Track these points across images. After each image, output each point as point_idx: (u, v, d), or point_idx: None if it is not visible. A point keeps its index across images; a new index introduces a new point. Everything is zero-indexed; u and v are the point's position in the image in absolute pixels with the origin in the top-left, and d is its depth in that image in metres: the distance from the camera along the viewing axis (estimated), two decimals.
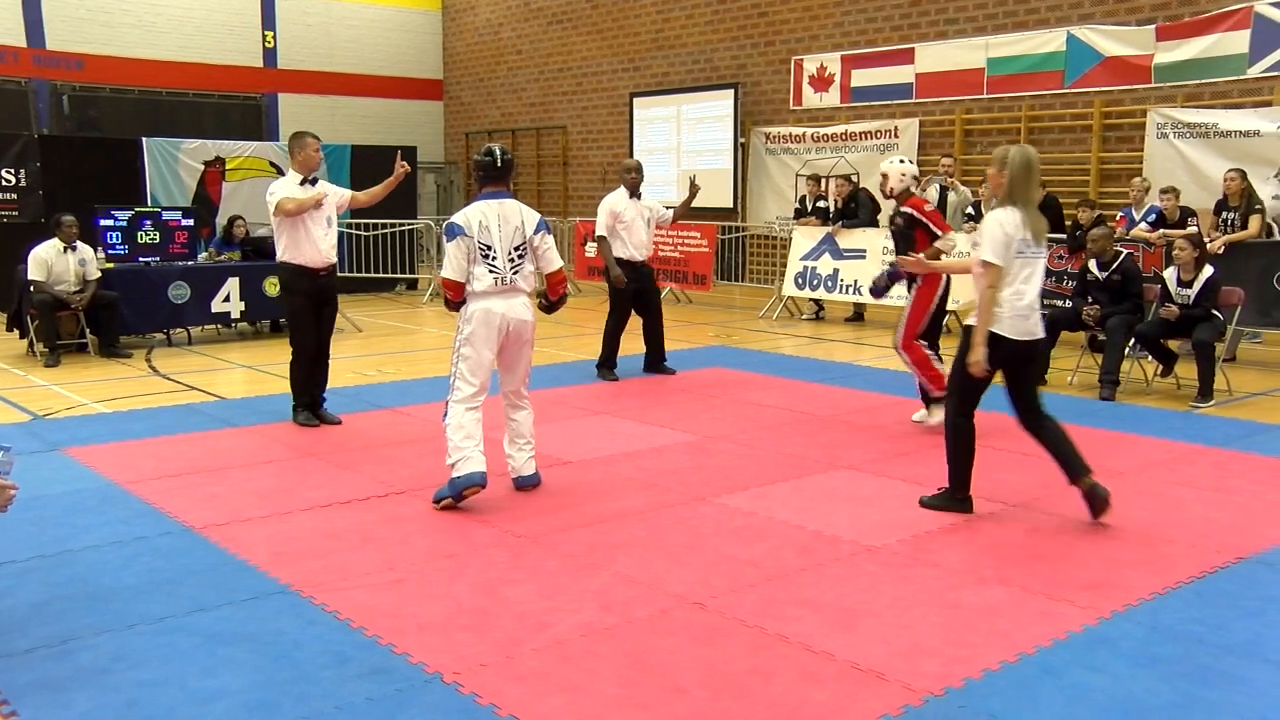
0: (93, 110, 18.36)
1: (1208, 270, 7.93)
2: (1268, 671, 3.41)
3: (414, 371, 8.97)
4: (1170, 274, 8.16)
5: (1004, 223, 4.68)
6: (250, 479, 5.60)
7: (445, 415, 5.08)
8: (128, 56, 18.44)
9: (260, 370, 9.07)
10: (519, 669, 3.38)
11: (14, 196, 12.74)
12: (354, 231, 14.51)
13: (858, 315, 12.46)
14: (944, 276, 6.61)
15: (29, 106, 17.73)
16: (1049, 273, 10.43)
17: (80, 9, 18.02)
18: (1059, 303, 10.11)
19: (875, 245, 11.82)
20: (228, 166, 14.14)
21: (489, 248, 5.08)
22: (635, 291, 8.54)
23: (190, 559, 4.37)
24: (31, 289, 9.27)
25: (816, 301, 12.70)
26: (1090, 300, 8.39)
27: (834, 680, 3.31)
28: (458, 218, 5.15)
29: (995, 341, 4.73)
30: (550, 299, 5.48)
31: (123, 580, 4.13)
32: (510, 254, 5.12)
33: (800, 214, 13.15)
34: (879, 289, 6.98)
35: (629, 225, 8.45)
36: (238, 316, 10.87)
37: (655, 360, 8.85)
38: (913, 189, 6.78)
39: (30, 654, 3.47)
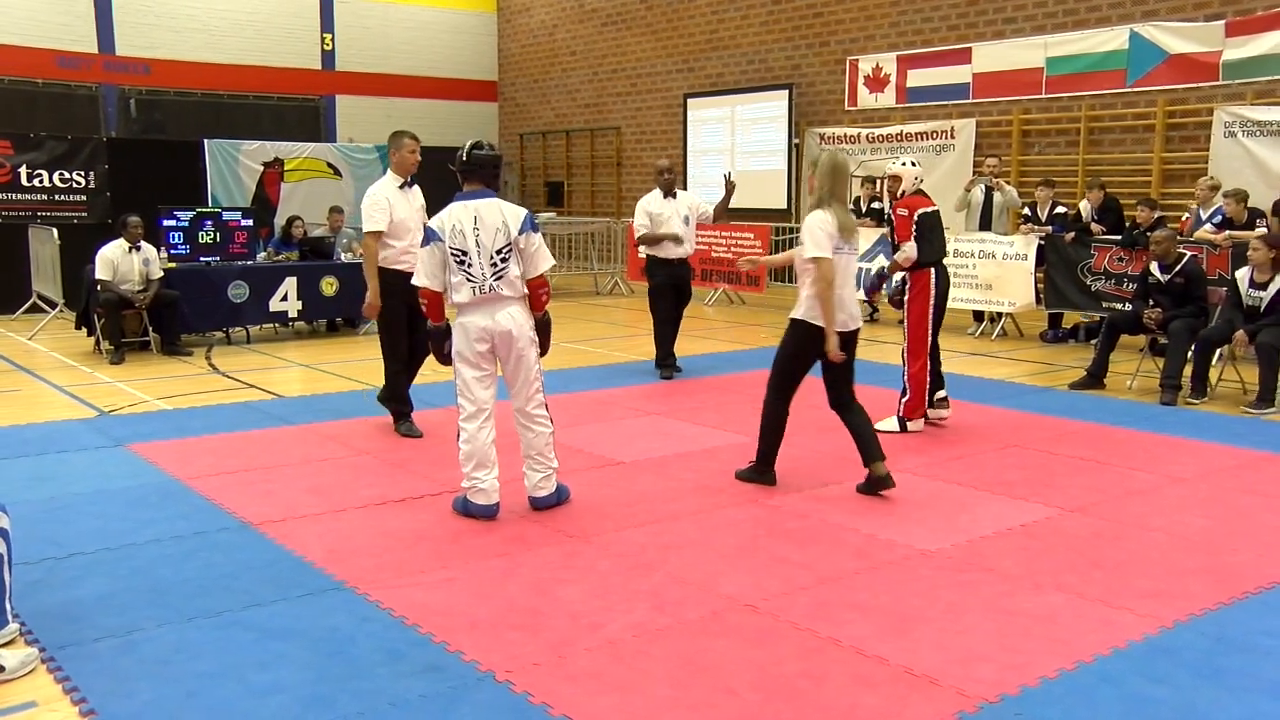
0: (158, 113, 18.78)
1: None
2: None
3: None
4: (1243, 275, 7.90)
5: (825, 221, 5.14)
6: (306, 476, 5.68)
7: (458, 435, 4.87)
8: (192, 60, 18.83)
9: (317, 369, 9.20)
10: (571, 669, 3.39)
11: (83, 198, 13.08)
12: None
13: None
14: (932, 284, 6.45)
15: (98, 111, 18.19)
16: (1108, 274, 10.31)
17: (149, 14, 18.43)
18: (1118, 305, 9.92)
19: None
20: (286, 167, 14.39)
21: (463, 253, 4.65)
22: (674, 288, 8.57)
23: (247, 554, 4.45)
24: (98, 288, 9.50)
25: (870, 303, 12.58)
26: (1151, 303, 8.22)
27: (886, 685, 3.28)
28: (432, 221, 4.78)
29: (816, 332, 5.15)
30: (534, 314, 4.87)
31: (183, 574, 4.22)
32: (493, 257, 4.67)
33: (855, 215, 13.03)
34: (869, 287, 6.82)
35: (664, 225, 8.50)
36: (295, 316, 11.03)
37: (669, 362, 8.78)
38: (922, 190, 6.62)
39: (97, 644, 3.56)
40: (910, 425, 6.63)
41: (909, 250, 6.35)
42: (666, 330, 8.67)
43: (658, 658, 3.47)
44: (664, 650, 3.53)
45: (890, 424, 6.57)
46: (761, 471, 5.48)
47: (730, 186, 8.44)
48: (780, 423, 5.40)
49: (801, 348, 5.25)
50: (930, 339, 6.56)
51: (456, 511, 4.98)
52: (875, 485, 5.26)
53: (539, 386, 4.92)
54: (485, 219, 4.70)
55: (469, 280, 4.70)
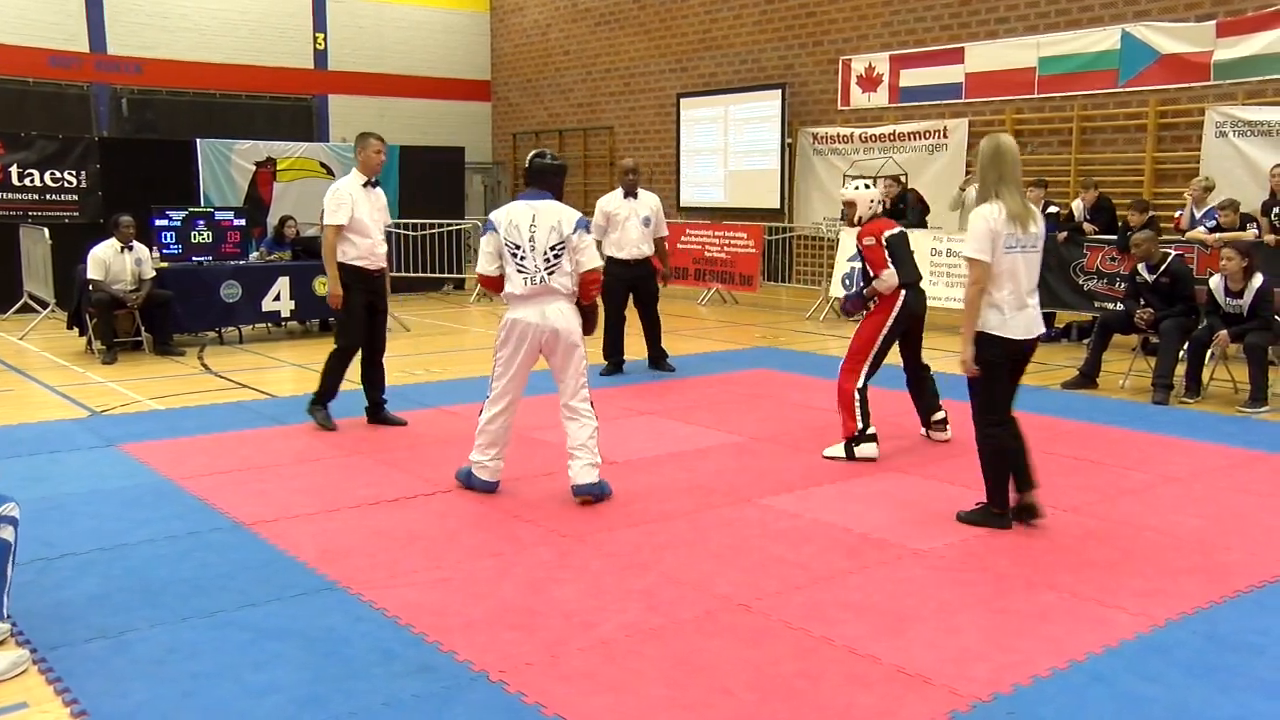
0: (150, 113, 18.72)
1: (1257, 279, 7.66)
2: None
3: (461, 371, 9.04)
4: (1216, 283, 7.85)
5: (988, 218, 4.57)
6: (299, 476, 5.67)
7: (481, 413, 5.29)
8: (184, 60, 18.77)
9: (310, 369, 9.18)
10: (565, 668, 3.39)
11: (75, 198, 13.04)
12: (402, 232, 14.65)
13: None
14: (897, 304, 5.99)
15: (90, 110, 18.13)
16: (1100, 274, 10.34)
17: (140, 14, 18.37)
18: (1110, 305, 9.96)
19: (924, 246, 11.70)
20: (279, 167, 14.37)
21: (517, 247, 5.03)
22: (630, 289, 8.58)
23: (241, 554, 4.44)
24: (90, 288, 9.47)
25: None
26: (1142, 303, 8.24)
27: (881, 684, 3.29)
28: (494, 213, 5.22)
29: (993, 342, 4.62)
30: (582, 303, 5.21)
31: (177, 574, 4.21)
32: (546, 254, 5.02)
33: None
34: (847, 310, 6.46)
35: (621, 225, 8.50)
36: (288, 315, 11.02)
37: (655, 358, 8.91)
38: (880, 213, 6.26)
39: (89, 644, 3.55)
40: (858, 450, 5.97)
41: (889, 278, 5.95)
42: (613, 330, 8.66)
43: (652, 657, 3.47)
44: (658, 650, 3.53)
45: (836, 449, 6.04)
46: (995, 513, 4.75)
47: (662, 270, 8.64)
48: (1004, 453, 4.72)
49: (989, 361, 4.63)
50: (873, 361, 6.06)
51: (458, 480, 5.36)
52: (987, 520, 4.77)
53: (585, 382, 5.21)
54: (542, 218, 5.07)
55: (521, 272, 5.05)
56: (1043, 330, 4.79)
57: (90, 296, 9.47)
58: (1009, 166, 4.59)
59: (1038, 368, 9.30)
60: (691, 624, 3.74)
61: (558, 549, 4.53)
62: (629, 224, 8.52)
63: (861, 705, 3.16)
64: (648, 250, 8.64)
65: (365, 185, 6.64)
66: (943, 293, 11.56)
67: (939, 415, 6.45)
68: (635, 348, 9.08)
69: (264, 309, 10.77)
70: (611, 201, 8.65)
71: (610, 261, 8.49)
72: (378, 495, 5.30)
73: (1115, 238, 10.23)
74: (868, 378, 6.05)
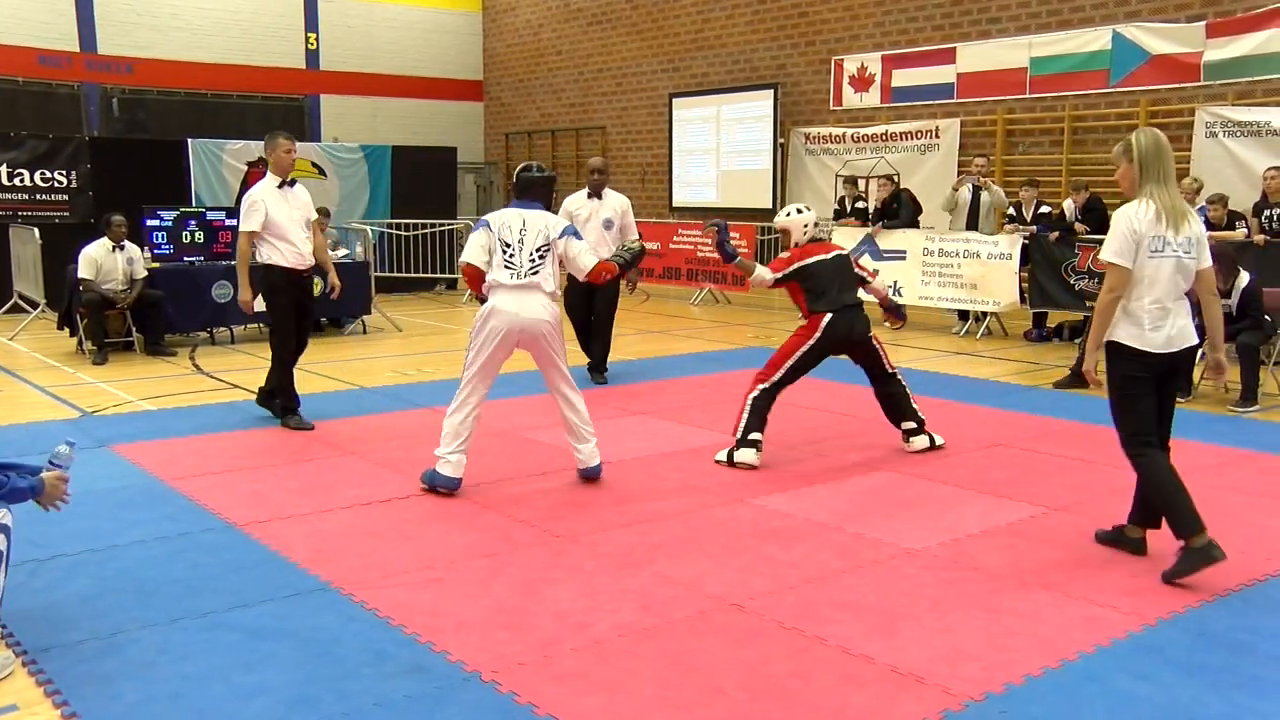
0: (141, 112, 18.66)
1: (1244, 278, 7.68)
2: None
3: (453, 371, 9.00)
4: None
5: (1132, 217, 4.12)
6: (291, 476, 5.66)
7: (449, 407, 5.34)
8: (175, 59, 18.72)
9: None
10: (557, 668, 3.39)
11: (66, 197, 13.00)
12: (394, 231, 14.63)
13: None
14: (820, 327, 5.83)
15: (81, 110, 18.07)
16: (1092, 274, 10.37)
17: (130, 13, 18.32)
18: None
19: (916, 246, 11.74)
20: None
21: (508, 245, 5.27)
22: (584, 292, 8.20)
23: (233, 555, 4.43)
24: (81, 288, 9.44)
25: None
26: None
27: (873, 683, 3.29)
28: (488, 215, 5.49)
29: (1129, 355, 4.18)
30: (609, 278, 5.72)
31: (168, 575, 4.20)
32: (532, 253, 5.27)
33: (839, 215, 13.09)
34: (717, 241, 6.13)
35: (582, 226, 8.19)
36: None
37: (594, 366, 8.51)
38: (818, 237, 6.18)
39: (80, 645, 3.54)
40: (739, 456, 5.81)
41: (762, 273, 5.96)
42: (579, 333, 8.48)
43: (645, 657, 3.47)
44: (651, 650, 3.53)
45: (722, 454, 5.91)
46: (1199, 549, 4.07)
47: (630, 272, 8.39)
48: (1164, 476, 4.20)
49: (1126, 377, 4.22)
50: (787, 373, 5.91)
51: (423, 484, 5.34)
52: (1196, 560, 4.08)
53: (568, 370, 5.44)
54: (531, 223, 5.33)
55: (509, 267, 5.26)
56: (1193, 342, 4.26)
57: (81, 296, 9.43)
58: (1169, 161, 4.18)
59: (1029, 367, 9.33)
60: (684, 624, 3.74)
61: (551, 549, 4.53)
62: (589, 225, 8.26)
63: (854, 705, 3.16)
64: (606, 254, 8.11)
65: (281, 186, 6.69)
66: (934, 292, 11.59)
67: (907, 425, 6.15)
68: (622, 348, 9.09)
69: (256, 310, 10.70)
70: (575, 201, 8.48)
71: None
72: (370, 495, 5.29)
73: (1105, 238, 10.25)
74: (775, 389, 5.92)
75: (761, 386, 5.92)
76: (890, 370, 6.17)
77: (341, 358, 9.76)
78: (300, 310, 6.86)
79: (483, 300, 5.37)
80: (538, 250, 5.28)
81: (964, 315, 11.59)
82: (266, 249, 6.64)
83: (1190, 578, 4.06)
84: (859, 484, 5.55)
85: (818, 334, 5.87)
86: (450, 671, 3.36)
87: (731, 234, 6.19)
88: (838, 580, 4.17)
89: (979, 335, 11.24)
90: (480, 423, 5.43)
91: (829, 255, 6.06)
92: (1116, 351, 4.21)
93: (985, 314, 11.40)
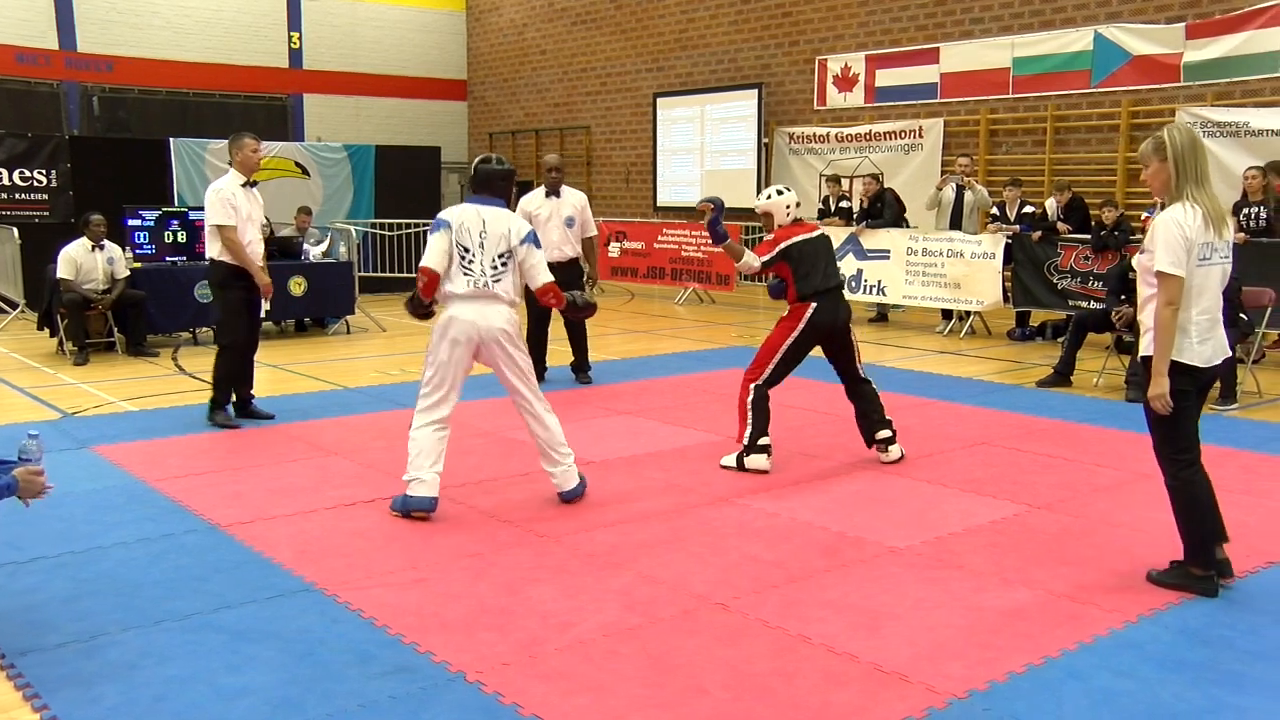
0: (121, 111, 18.55)
1: None
2: None
3: None
4: None
5: (1182, 223, 3.85)
6: (274, 477, 5.63)
7: (411, 424, 4.99)
8: (156, 58, 18.61)
9: (284, 369, 9.12)
10: (542, 668, 3.38)
11: (45, 197, 12.90)
12: (377, 231, 14.58)
13: (881, 316, 12.40)
14: (806, 314, 5.70)
15: (60, 108, 17.94)
16: (1074, 273, 10.43)
17: (111, 11, 18.20)
18: (1085, 303, 10.04)
19: (900, 246, 11.77)
20: None
21: (466, 249, 4.91)
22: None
23: (216, 556, 4.41)
24: (61, 288, 9.37)
25: None
26: (1124, 298, 8.27)
27: (857, 682, 3.30)
28: (445, 212, 5.06)
29: (1182, 371, 3.92)
30: (558, 307, 5.34)
31: (150, 577, 4.17)
32: (494, 260, 4.92)
33: (824, 214, 13.11)
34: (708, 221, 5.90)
35: (542, 226, 8.07)
36: (263, 316, 10.88)
37: (575, 366, 8.45)
38: (800, 218, 5.97)
39: (60, 649, 3.51)
40: (747, 462, 5.71)
41: (750, 260, 5.79)
42: (533, 334, 8.17)
43: (629, 657, 3.47)
44: (635, 649, 3.53)
45: (730, 459, 5.80)
46: (1196, 575, 4.04)
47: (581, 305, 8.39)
48: (1201, 501, 4.04)
49: (1178, 392, 3.93)
50: (775, 368, 5.78)
51: (395, 511, 4.96)
52: (1194, 584, 4.04)
53: (535, 384, 5.13)
54: (492, 225, 4.96)
55: (467, 274, 4.92)
56: (1229, 354, 4.11)
57: (62, 297, 9.36)
58: (1205, 160, 3.96)
59: (1013, 366, 9.38)
60: (669, 623, 3.74)
61: (535, 549, 4.52)
62: (550, 225, 8.13)
63: (838, 703, 3.17)
64: (571, 252, 8.24)
65: (244, 185, 6.74)
66: (918, 291, 11.63)
67: (883, 434, 5.94)
68: (606, 348, 9.08)
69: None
70: (533, 201, 8.27)
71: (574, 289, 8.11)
72: (354, 496, 5.28)
73: (1089, 237, 10.32)
74: (768, 386, 5.78)
75: (755, 385, 5.77)
76: (861, 371, 6.02)
77: (325, 358, 9.73)
78: (251, 307, 6.89)
79: (425, 308, 5.08)
80: (499, 257, 4.93)
81: (948, 314, 11.64)
82: (221, 245, 6.68)
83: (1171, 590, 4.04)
84: (843, 483, 5.56)
85: (802, 324, 5.73)
86: (435, 672, 3.36)
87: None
88: (821, 579, 4.18)
89: (963, 334, 11.28)
90: (463, 424, 5.41)
91: (814, 235, 5.91)
92: (1171, 369, 3.91)
93: (969, 313, 11.45)
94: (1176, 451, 4.02)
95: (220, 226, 6.62)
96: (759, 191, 16.15)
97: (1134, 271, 8.09)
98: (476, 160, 5.16)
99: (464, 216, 4.96)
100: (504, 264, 4.95)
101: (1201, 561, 4.02)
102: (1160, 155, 3.96)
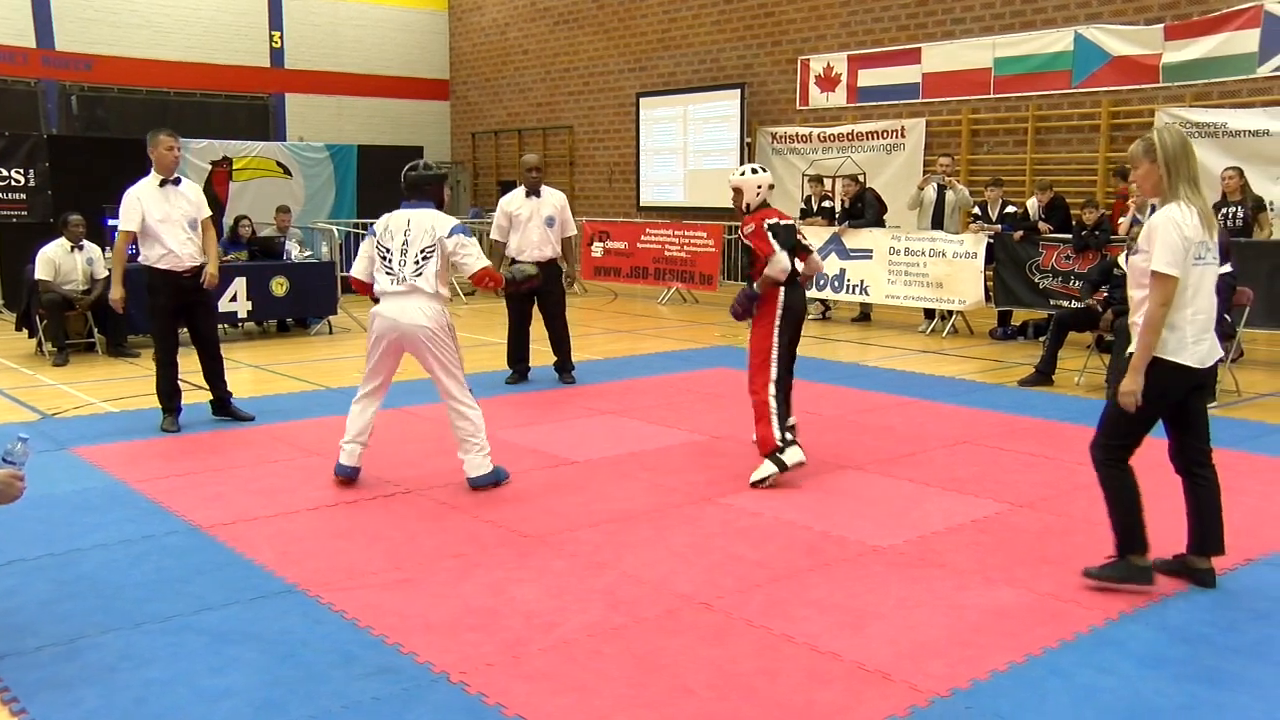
0: (100, 110, 18.40)
1: (1224, 268, 7.79)
2: (1277, 673, 3.39)
3: (419, 371, 8.95)
4: None
5: (1180, 223, 3.82)
6: (256, 478, 5.61)
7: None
8: (135, 57, 18.47)
9: (266, 369, 9.08)
10: (526, 668, 3.38)
11: (23, 196, 12.78)
12: (360, 232, 14.51)
13: (864, 315, 12.44)
14: (779, 301, 5.54)
15: (38, 107, 17.78)
16: (1055, 272, 10.49)
17: (88, 9, 18.05)
18: (1066, 302, 10.10)
19: (882, 245, 11.81)
20: (235, 166, 14.18)
21: (387, 250, 5.23)
22: (533, 293, 7.91)
23: (197, 558, 4.38)
24: (39, 288, 9.30)
25: (823, 301, 12.69)
26: (1106, 292, 8.30)
27: (840, 681, 3.31)
28: (376, 222, 5.40)
29: (1169, 370, 3.90)
30: (493, 288, 5.64)
31: (130, 579, 4.14)
32: (417, 256, 5.18)
33: (806, 214, 13.15)
34: (735, 313, 5.76)
35: (523, 226, 8.15)
36: (244, 316, 10.88)
37: (557, 366, 8.46)
38: (769, 200, 5.80)
39: (39, 652, 3.48)
40: (787, 458, 5.43)
41: (780, 260, 5.44)
42: (515, 336, 8.33)
43: (613, 657, 3.47)
44: (619, 649, 3.53)
45: (765, 470, 5.46)
46: (1138, 568, 4.04)
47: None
48: (1133, 492, 4.04)
49: (1160, 389, 3.91)
50: (779, 362, 5.58)
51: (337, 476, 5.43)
52: (1134, 575, 4.05)
53: (459, 376, 5.31)
54: (416, 223, 5.24)
55: (389, 274, 5.23)
56: (1220, 354, 4.10)
57: (41, 297, 9.29)
58: (1195, 161, 3.96)
59: (994, 365, 9.42)
60: (653, 623, 3.75)
61: (518, 549, 4.51)
62: (530, 225, 8.15)
63: (822, 702, 3.18)
64: (551, 252, 8.22)
65: (163, 185, 6.59)
66: (900, 291, 11.67)
67: (789, 420, 5.68)
68: (589, 347, 9.07)
69: (220, 310, 10.60)
70: (513, 201, 8.28)
71: (513, 264, 7.93)
72: (336, 497, 5.26)
73: (1070, 236, 10.38)
74: (777, 384, 5.53)
75: (771, 386, 5.49)
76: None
77: (307, 358, 9.69)
78: (187, 309, 6.73)
79: (376, 301, 5.36)
80: (422, 252, 5.17)
81: (930, 314, 11.68)
82: (144, 249, 6.61)
83: (1117, 585, 4.03)
84: (826, 482, 5.58)
85: (779, 310, 5.54)
86: (419, 672, 3.35)
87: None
88: (805, 578, 4.19)
89: (945, 334, 11.33)
90: (446, 424, 5.41)
91: (784, 221, 5.73)
92: (1157, 366, 3.88)
93: (951, 312, 11.50)
94: (1120, 444, 4.04)
95: (120, 230, 6.59)
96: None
97: (1120, 269, 8.22)
98: (406, 168, 5.44)
99: (389, 221, 5.30)
100: (426, 258, 5.18)
101: (1144, 550, 4.03)
102: (1150, 157, 3.97)
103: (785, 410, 5.56)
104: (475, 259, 5.25)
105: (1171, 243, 3.79)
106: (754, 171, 5.85)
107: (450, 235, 5.19)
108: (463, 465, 5.35)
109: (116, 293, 6.68)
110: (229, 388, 7.08)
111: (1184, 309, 3.88)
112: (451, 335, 5.29)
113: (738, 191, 5.80)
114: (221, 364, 6.98)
